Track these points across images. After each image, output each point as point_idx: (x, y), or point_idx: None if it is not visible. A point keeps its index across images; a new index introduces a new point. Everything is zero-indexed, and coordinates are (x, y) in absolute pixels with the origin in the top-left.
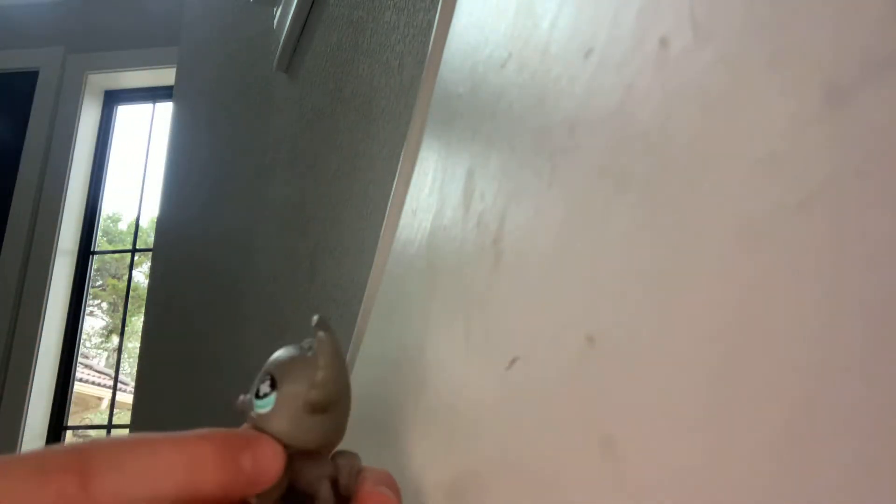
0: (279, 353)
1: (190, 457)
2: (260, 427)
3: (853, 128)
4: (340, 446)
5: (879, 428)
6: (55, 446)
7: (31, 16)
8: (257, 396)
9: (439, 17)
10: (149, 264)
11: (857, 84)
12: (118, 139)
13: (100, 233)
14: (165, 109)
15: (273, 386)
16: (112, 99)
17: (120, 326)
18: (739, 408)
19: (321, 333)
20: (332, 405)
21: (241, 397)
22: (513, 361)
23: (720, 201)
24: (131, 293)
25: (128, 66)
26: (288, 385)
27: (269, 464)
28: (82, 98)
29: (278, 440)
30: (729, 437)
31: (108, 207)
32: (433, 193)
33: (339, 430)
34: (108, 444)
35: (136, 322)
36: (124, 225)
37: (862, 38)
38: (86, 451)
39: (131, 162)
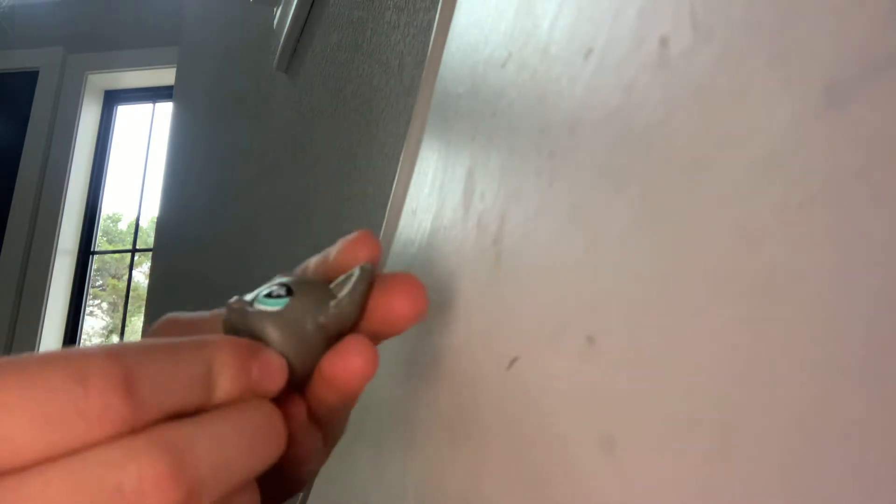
0: (297, 278)
1: (209, 366)
2: (255, 324)
3: (854, 127)
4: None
5: (883, 428)
6: (83, 347)
7: (31, 16)
8: (267, 296)
9: (439, 17)
10: (149, 264)
11: (857, 84)
12: (118, 139)
13: (100, 233)
14: (165, 109)
15: (289, 293)
16: (112, 99)
17: (120, 326)
18: (740, 408)
19: (365, 265)
20: (341, 334)
21: (237, 297)
22: (513, 361)
23: (720, 201)
24: (131, 293)
25: (128, 66)
26: (305, 297)
27: (274, 375)
28: (82, 98)
29: (263, 333)
30: (730, 438)
31: (108, 207)
32: (433, 193)
33: None
34: (141, 351)
35: (136, 322)
36: (124, 225)
37: (862, 37)
38: (122, 358)
39: (131, 162)
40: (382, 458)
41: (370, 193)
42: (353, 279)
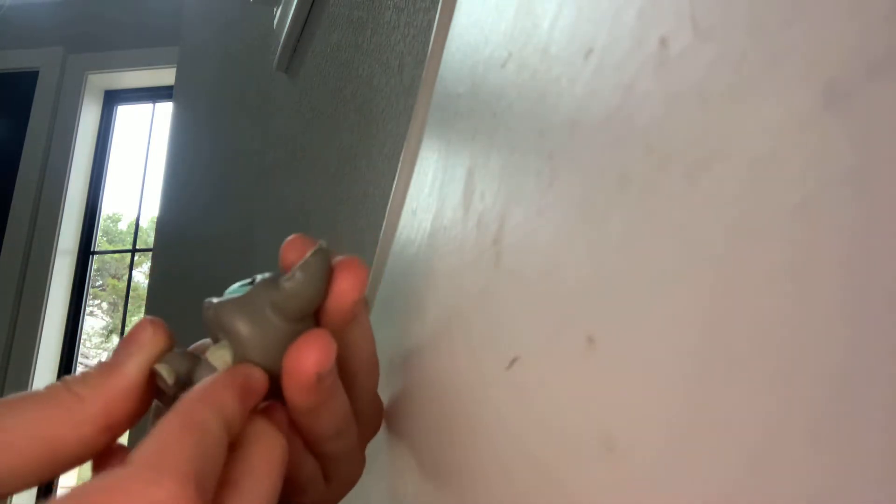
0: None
1: (228, 421)
2: (222, 317)
3: (854, 127)
4: None
5: (883, 428)
6: (150, 464)
7: (31, 16)
8: (237, 288)
9: (439, 17)
10: (149, 264)
11: (858, 84)
12: (118, 139)
13: (100, 233)
14: (165, 109)
15: (252, 284)
16: (112, 99)
17: (120, 326)
18: (741, 409)
19: (316, 250)
20: (300, 315)
21: (209, 299)
22: (513, 361)
23: (720, 201)
24: (131, 293)
25: (128, 66)
26: (264, 282)
27: (259, 390)
28: (82, 98)
29: (233, 329)
30: (731, 438)
31: (108, 207)
32: (433, 193)
33: None
34: (197, 455)
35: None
36: (124, 225)
37: (863, 37)
38: (192, 475)
39: (131, 162)
40: (382, 459)
41: (370, 193)
42: (306, 256)
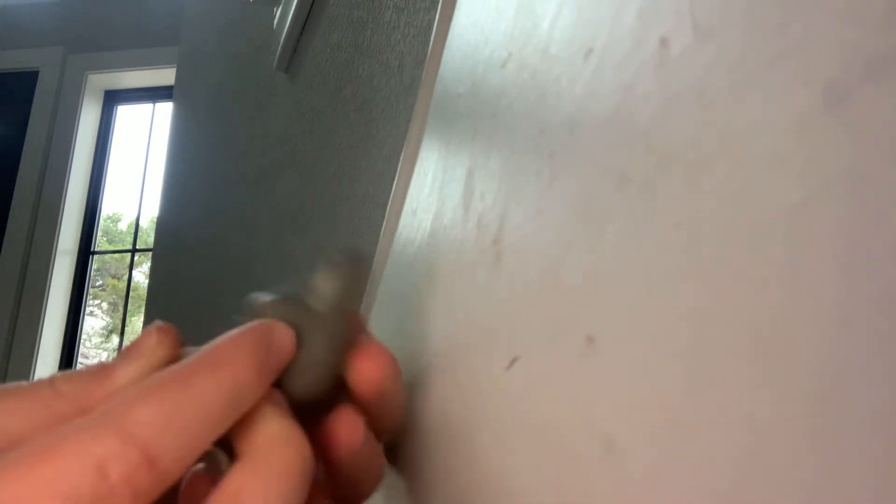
0: None
1: (231, 387)
2: (276, 304)
3: (853, 127)
4: None
5: (889, 430)
6: (87, 425)
7: (31, 16)
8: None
9: (439, 17)
10: (149, 264)
11: (858, 83)
12: (118, 139)
13: (100, 233)
14: (165, 109)
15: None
16: (112, 99)
17: (120, 326)
18: (741, 408)
19: (333, 264)
20: (339, 309)
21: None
22: (513, 361)
23: (720, 201)
24: (131, 293)
25: (128, 66)
26: (293, 297)
27: (287, 351)
28: (82, 98)
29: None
30: (732, 438)
31: (108, 207)
32: (433, 193)
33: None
34: (154, 411)
35: (136, 322)
36: (124, 225)
37: (863, 37)
38: (136, 436)
39: (131, 162)
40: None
41: (370, 193)
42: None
